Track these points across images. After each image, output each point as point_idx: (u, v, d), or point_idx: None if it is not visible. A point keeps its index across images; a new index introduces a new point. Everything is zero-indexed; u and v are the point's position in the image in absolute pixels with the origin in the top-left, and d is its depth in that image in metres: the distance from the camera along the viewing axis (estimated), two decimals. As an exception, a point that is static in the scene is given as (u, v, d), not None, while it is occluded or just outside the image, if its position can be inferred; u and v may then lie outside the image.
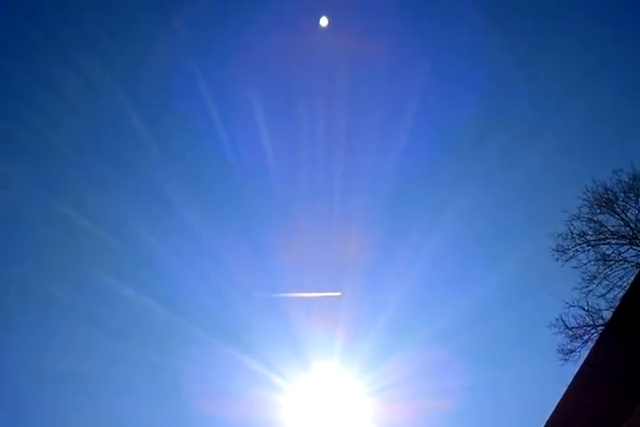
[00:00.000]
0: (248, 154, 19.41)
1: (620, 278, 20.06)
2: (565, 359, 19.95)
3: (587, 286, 20.36)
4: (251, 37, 17.88)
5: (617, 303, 4.85)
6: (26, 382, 19.00)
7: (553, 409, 5.27)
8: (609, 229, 20.87)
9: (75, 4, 17.00)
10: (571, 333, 20.15)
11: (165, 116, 18.98)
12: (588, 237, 20.87)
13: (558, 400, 5.18)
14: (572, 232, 20.85)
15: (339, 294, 17.95)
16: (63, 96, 17.49)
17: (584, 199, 20.80)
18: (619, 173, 20.38)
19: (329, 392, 17.37)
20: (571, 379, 5.10)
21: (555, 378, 18.71)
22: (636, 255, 20.14)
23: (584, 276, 20.51)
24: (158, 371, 19.03)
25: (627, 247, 20.61)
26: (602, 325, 18.94)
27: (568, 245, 20.84)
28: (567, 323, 20.19)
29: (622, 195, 20.68)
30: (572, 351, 19.95)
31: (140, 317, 19.27)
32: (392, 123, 18.69)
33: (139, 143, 18.69)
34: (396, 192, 20.40)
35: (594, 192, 20.77)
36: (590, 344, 18.39)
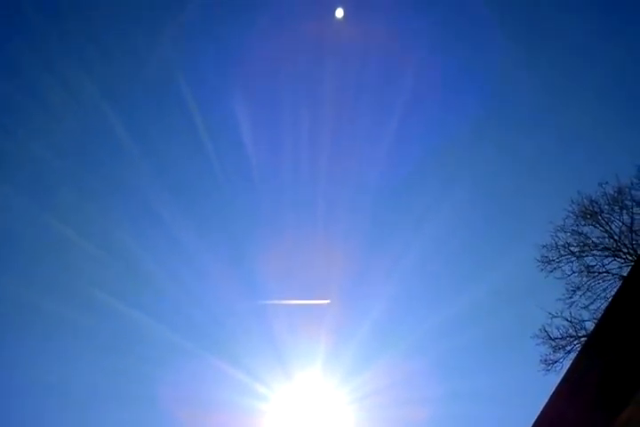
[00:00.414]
0: (235, 163, 19.37)
1: (604, 290, 20.21)
2: (548, 370, 20.05)
3: (570, 297, 20.49)
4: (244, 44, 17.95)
5: (599, 315, 4.90)
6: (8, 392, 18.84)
7: (535, 419, 5.31)
8: (593, 241, 21.04)
9: (61, 13, 16.86)
10: (554, 343, 20.26)
11: (152, 128, 18.88)
12: (572, 248, 21.03)
13: (540, 410, 5.21)
14: (556, 243, 21.01)
15: (327, 301, 17.95)
16: (49, 107, 17.36)
17: (569, 211, 20.98)
18: (604, 186, 20.58)
19: (312, 400, 17.33)
20: (553, 389, 5.14)
21: (537, 388, 18.83)
22: (620, 267, 20.29)
23: (568, 287, 20.66)
24: (142, 381, 18.90)
25: (610, 259, 20.77)
26: (584, 336, 19.05)
27: (553, 256, 20.98)
28: (550, 333, 20.31)
29: (607, 207, 20.87)
30: (554, 362, 20.05)
31: (124, 327, 19.13)
32: (381, 128, 18.71)
33: (125, 154, 18.58)
34: (382, 200, 20.46)
35: (579, 204, 20.96)
36: (573, 355, 18.49)
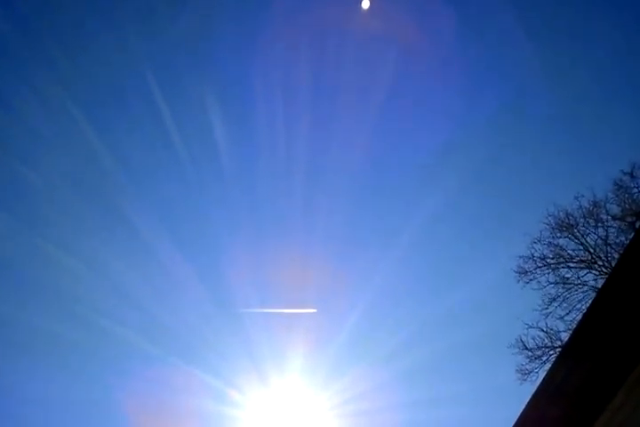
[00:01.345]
0: (212, 170, 19.29)
1: (579, 301, 20.49)
2: (524, 379, 20.25)
3: (546, 308, 20.74)
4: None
5: (575, 326, 5.04)
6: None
7: (513, 425, 5.42)
8: (569, 253, 21.34)
9: (31, 22, 16.68)
10: (529, 353, 20.48)
11: (127, 140, 18.75)
12: (548, 260, 21.29)
13: (517, 416, 5.33)
14: (533, 255, 21.27)
15: (314, 310, 17.97)
16: (22, 120, 17.15)
17: (546, 223, 21.26)
18: (579, 200, 20.91)
19: (290, 407, 17.33)
20: (529, 397, 5.25)
21: (514, 396, 19.07)
22: (595, 279, 20.59)
23: (544, 298, 20.91)
24: (103, 387, 18.69)
25: (586, 271, 21.08)
26: (560, 346, 19.27)
27: (529, 268, 21.23)
28: (526, 344, 20.52)
29: (582, 220, 21.19)
30: (530, 372, 20.26)
31: (89, 331, 18.90)
32: (364, 126, 18.74)
33: (101, 168, 18.41)
34: (362, 206, 20.52)
35: (555, 217, 21.25)
36: (548, 365, 18.71)
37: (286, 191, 19.11)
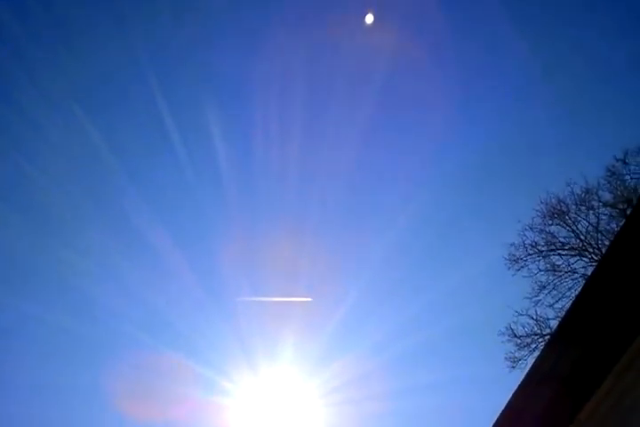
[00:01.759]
0: (208, 161, 19.17)
1: (569, 289, 20.50)
2: (513, 367, 20.31)
3: (536, 296, 20.77)
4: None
5: (564, 313, 5.01)
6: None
7: (500, 411, 5.40)
8: (560, 241, 21.33)
9: (35, 20, 16.44)
10: (519, 341, 20.52)
11: (130, 139, 18.62)
12: (539, 247, 21.29)
13: (506, 402, 5.31)
14: (524, 242, 21.26)
15: (309, 299, 17.94)
16: (28, 118, 16.99)
17: (537, 210, 21.24)
18: (571, 186, 20.89)
19: (280, 395, 17.35)
20: (517, 384, 5.23)
21: (502, 382, 19.14)
22: (585, 267, 20.61)
23: (534, 285, 20.93)
24: (100, 375, 18.62)
25: (576, 258, 21.09)
26: (549, 334, 19.32)
27: (520, 255, 21.23)
28: (516, 331, 20.57)
29: (574, 207, 21.17)
30: (519, 359, 20.31)
31: (86, 321, 18.86)
32: (354, 128, 18.68)
33: (101, 163, 18.30)
34: (354, 197, 20.47)
35: (547, 204, 21.22)
36: (537, 353, 18.74)
37: (279, 180, 19.03)
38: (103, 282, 18.98)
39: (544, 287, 20.77)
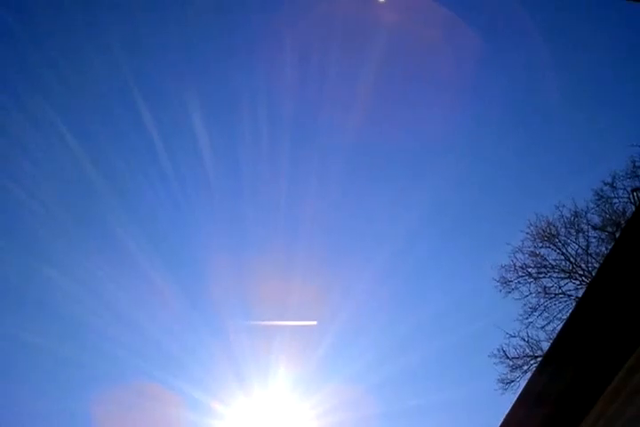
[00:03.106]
0: (200, 187, 19.12)
1: (560, 311, 20.63)
2: (505, 389, 20.33)
3: (527, 318, 20.86)
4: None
5: (555, 334, 5.09)
6: None
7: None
8: (550, 263, 21.49)
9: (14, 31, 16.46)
10: (511, 363, 20.56)
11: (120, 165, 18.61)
12: (530, 269, 21.43)
13: (501, 422, 5.36)
14: (515, 264, 21.40)
15: (314, 322, 17.91)
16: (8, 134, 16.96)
17: (527, 233, 21.41)
18: (561, 209, 21.10)
19: (273, 417, 17.25)
20: (511, 405, 5.28)
21: (496, 404, 19.13)
22: (575, 289, 20.75)
23: (525, 307, 21.03)
24: (86, 400, 18.40)
25: (566, 281, 21.24)
26: (540, 356, 19.37)
27: (511, 277, 21.35)
28: (507, 353, 20.61)
29: (564, 230, 21.37)
30: (511, 381, 20.35)
31: (75, 345, 18.65)
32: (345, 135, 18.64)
33: (87, 180, 18.23)
34: (348, 216, 20.48)
35: (537, 226, 21.41)
36: (529, 375, 18.79)
37: (270, 198, 19.04)
38: (91, 305, 18.83)
39: (535, 309, 20.89)
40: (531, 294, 21.15)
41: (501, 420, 5.41)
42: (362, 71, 17.22)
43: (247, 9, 16.74)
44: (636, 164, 19.41)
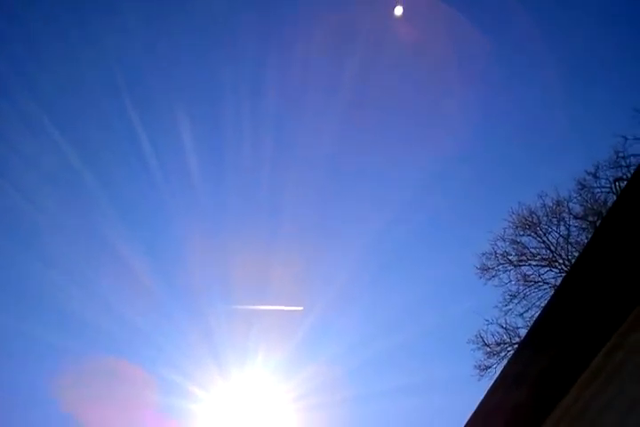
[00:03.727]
0: (184, 179, 19.04)
1: (539, 299, 20.82)
2: (482, 375, 20.54)
3: (506, 305, 21.04)
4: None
5: (533, 321, 5.15)
6: None
7: (470, 415, 5.51)
8: (531, 251, 21.65)
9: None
10: (488, 349, 20.77)
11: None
12: (510, 257, 21.59)
13: (475, 408, 5.42)
14: (495, 252, 21.54)
15: (301, 308, 17.97)
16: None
17: (509, 221, 21.55)
18: (543, 198, 21.24)
19: (251, 400, 17.34)
20: (487, 388, 5.35)
21: (472, 388, 19.39)
22: (555, 277, 20.94)
23: (505, 295, 21.21)
24: (62, 383, 18.35)
25: (546, 269, 21.42)
26: (518, 343, 19.57)
27: (491, 265, 21.50)
28: (485, 339, 20.81)
29: (545, 219, 21.52)
30: (488, 367, 20.56)
31: (55, 329, 18.59)
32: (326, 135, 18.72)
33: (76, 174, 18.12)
34: (325, 204, 20.53)
35: (518, 215, 21.54)
36: (506, 361, 18.99)
37: (253, 190, 19.05)
38: (71, 290, 18.77)
39: (514, 297, 21.07)
40: (511, 281, 21.35)
41: (478, 402, 5.46)
42: (344, 67, 17.31)
43: (235, 9, 16.69)
44: (619, 154, 19.57)
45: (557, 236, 21.49)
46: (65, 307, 18.58)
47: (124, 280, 18.49)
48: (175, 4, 16.90)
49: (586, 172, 20.32)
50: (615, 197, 19.35)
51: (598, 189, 20.62)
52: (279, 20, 16.86)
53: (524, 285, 21.28)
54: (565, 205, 21.24)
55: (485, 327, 20.78)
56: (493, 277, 21.37)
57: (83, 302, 18.47)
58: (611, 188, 19.97)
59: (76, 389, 17.05)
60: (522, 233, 21.61)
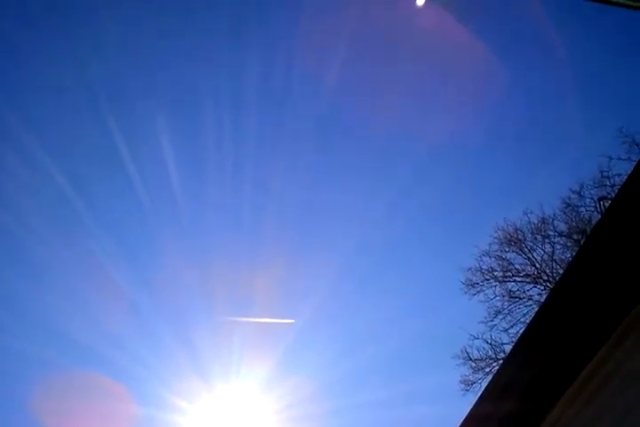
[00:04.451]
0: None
1: (524, 315, 20.96)
2: (467, 390, 20.62)
3: (491, 321, 21.18)
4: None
5: (517, 338, 5.25)
6: None
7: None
8: (516, 268, 21.83)
9: None
10: (473, 364, 20.86)
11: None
12: (496, 273, 21.75)
13: (463, 417, 5.48)
14: (481, 267, 21.70)
15: (292, 321, 17.94)
16: None
17: (495, 237, 21.73)
18: (529, 215, 21.46)
19: (235, 412, 17.29)
20: (475, 398, 5.42)
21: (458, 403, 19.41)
22: (540, 294, 21.10)
23: (490, 310, 21.35)
24: (42, 396, 18.18)
25: (531, 286, 21.60)
26: (502, 358, 19.67)
27: (477, 280, 21.65)
28: (471, 355, 20.90)
29: (530, 236, 21.73)
30: (473, 382, 20.64)
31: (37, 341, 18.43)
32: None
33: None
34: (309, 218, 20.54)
35: (504, 231, 21.74)
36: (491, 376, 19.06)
37: (235, 202, 19.03)
38: (49, 303, 18.62)
39: (499, 312, 21.21)
40: (496, 297, 21.50)
41: (466, 413, 5.52)
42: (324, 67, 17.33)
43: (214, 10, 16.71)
44: (604, 173, 19.86)
45: (542, 253, 21.71)
46: (44, 319, 18.41)
47: (107, 293, 18.37)
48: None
49: (571, 190, 20.61)
50: (599, 216, 19.59)
51: (583, 208, 20.90)
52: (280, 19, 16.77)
53: (508, 301, 21.45)
54: (550, 222, 21.49)
55: (470, 342, 20.91)
56: (479, 292, 21.53)
57: (62, 314, 18.30)
58: (595, 206, 20.23)
59: (55, 403, 16.89)
60: (507, 249, 21.81)
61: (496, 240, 21.68)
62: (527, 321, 20.04)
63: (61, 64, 16.57)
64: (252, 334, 17.85)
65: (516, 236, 21.70)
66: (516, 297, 21.43)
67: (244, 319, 17.57)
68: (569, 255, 20.59)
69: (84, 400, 17.21)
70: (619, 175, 19.19)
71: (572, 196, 20.69)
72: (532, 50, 18.12)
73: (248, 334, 17.82)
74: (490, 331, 20.99)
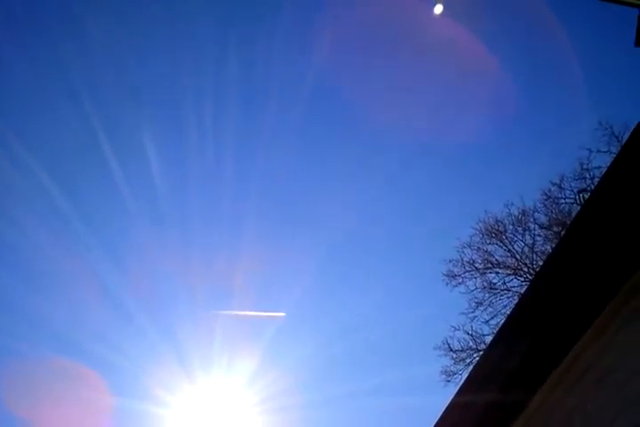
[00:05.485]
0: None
1: (504, 307, 21.15)
2: (448, 380, 20.79)
3: (472, 312, 21.34)
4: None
5: (498, 328, 5.30)
6: None
7: (441, 413, 5.61)
8: (496, 259, 22.01)
9: None
10: (454, 355, 21.03)
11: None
12: (477, 265, 21.90)
13: (445, 406, 5.53)
14: (462, 259, 21.85)
15: (283, 314, 17.96)
16: None
17: (476, 229, 21.87)
18: (509, 207, 21.61)
19: (218, 404, 17.31)
20: (456, 389, 5.47)
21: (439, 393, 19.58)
22: (520, 285, 21.29)
23: (471, 302, 21.51)
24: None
25: (511, 277, 21.79)
26: (483, 349, 19.84)
27: (458, 272, 21.79)
28: (452, 346, 21.07)
29: (511, 228, 21.90)
30: (454, 373, 20.81)
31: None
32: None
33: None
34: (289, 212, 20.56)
35: (485, 223, 21.88)
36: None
37: (217, 197, 18.99)
38: (27, 292, 18.48)
39: (480, 304, 21.37)
40: (477, 288, 21.66)
41: (447, 403, 5.56)
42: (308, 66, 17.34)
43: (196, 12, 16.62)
44: (584, 166, 20.03)
45: (523, 245, 21.90)
46: (18, 307, 18.29)
47: (88, 285, 18.28)
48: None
49: (551, 183, 20.78)
50: (579, 208, 19.77)
51: (563, 200, 21.10)
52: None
53: (489, 292, 21.62)
54: (531, 214, 21.68)
55: (452, 334, 21.07)
56: (460, 283, 21.68)
57: (40, 303, 18.18)
58: (575, 199, 20.42)
59: (28, 391, 16.81)
60: (488, 241, 21.97)
61: (477, 232, 21.86)
62: (508, 313, 20.21)
63: (44, 65, 16.47)
64: (234, 326, 17.87)
65: (496, 228, 21.87)
66: (496, 289, 21.61)
67: (231, 312, 17.59)
68: (549, 247, 20.77)
69: (58, 390, 17.17)
70: (598, 168, 19.39)
71: (553, 188, 20.90)
72: (511, 44, 18.27)
73: (231, 326, 17.84)
74: (471, 322, 21.20)
